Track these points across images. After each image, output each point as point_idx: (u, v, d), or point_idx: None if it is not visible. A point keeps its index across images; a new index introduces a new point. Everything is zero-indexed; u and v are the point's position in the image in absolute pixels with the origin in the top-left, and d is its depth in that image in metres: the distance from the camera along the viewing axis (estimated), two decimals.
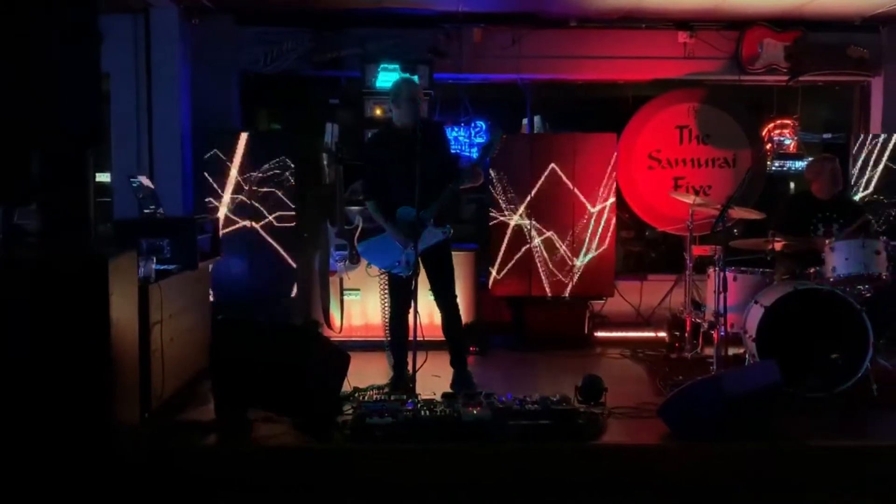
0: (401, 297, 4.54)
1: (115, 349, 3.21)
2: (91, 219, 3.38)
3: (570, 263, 6.06)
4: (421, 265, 4.41)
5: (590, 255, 6.05)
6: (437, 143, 4.44)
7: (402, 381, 4.57)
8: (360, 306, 5.80)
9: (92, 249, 3.37)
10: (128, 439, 3.37)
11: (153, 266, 4.06)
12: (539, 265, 6.05)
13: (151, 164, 5.83)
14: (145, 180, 4.89)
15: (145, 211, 4.62)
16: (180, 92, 5.85)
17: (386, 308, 4.91)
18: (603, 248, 6.08)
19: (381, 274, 5.00)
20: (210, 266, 5.18)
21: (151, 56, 5.79)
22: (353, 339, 5.61)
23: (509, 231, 6.05)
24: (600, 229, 6.07)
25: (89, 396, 3.14)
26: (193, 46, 6.09)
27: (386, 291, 4.86)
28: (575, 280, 6.06)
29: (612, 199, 6.07)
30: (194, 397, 4.34)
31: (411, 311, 4.37)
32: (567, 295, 6.07)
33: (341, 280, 5.60)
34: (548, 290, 6.06)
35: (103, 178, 6.23)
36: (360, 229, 5.51)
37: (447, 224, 4.46)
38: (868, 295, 4.70)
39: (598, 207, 6.05)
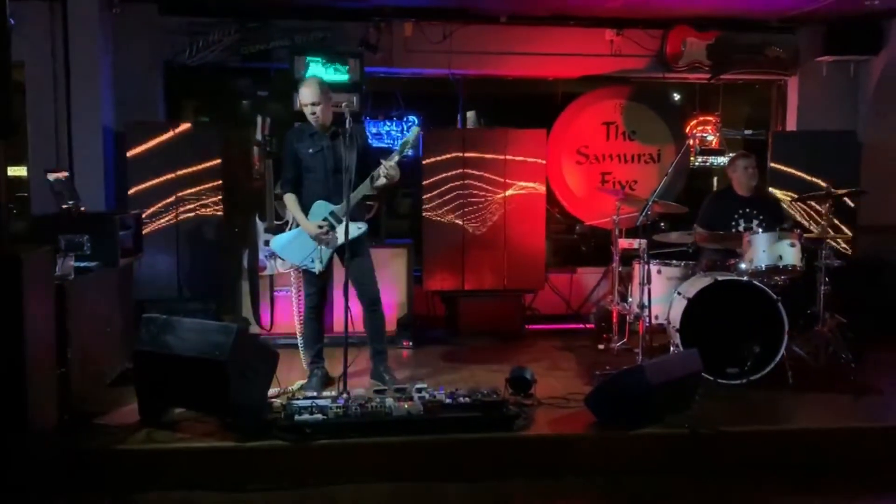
0: (315, 293, 4.51)
1: (30, 349, 3.10)
2: (3, 214, 3.24)
3: (502, 257, 6.12)
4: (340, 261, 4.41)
5: (521, 249, 6.13)
6: (356, 142, 4.36)
7: (321, 379, 4.54)
8: (290, 303, 5.72)
9: (4, 246, 3.23)
10: (44, 442, 3.26)
11: (72, 263, 3.93)
12: (471, 259, 6.10)
13: (71, 158, 5.62)
14: (64, 175, 4.71)
15: (64, 206, 4.46)
16: (101, 82, 5.65)
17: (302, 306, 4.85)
18: (533, 241, 6.18)
19: (296, 269, 4.91)
20: (133, 263, 5.04)
21: (69, 45, 5.57)
22: (284, 336, 5.53)
23: (441, 225, 6.07)
24: (531, 223, 6.16)
25: (1, 398, 3.02)
26: (114, 36, 5.90)
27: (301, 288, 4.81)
28: (506, 273, 6.13)
29: (542, 194, 6.17)
30: (117, 398, 4.21)
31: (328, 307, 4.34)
32: (499, 288, 6.13)
33: (271, 276, 5.52)
34: (480, 283, 6.12)
35: (20, 171, 5.99)
36: (290, 224, 5.44)
37: (360, 221, 4.43)
38: (784, 285, 4.89)
39: (528, 201, 6.13)
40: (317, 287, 4.51)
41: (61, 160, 5.59)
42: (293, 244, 4.52)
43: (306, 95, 4.36)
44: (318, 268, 4.42)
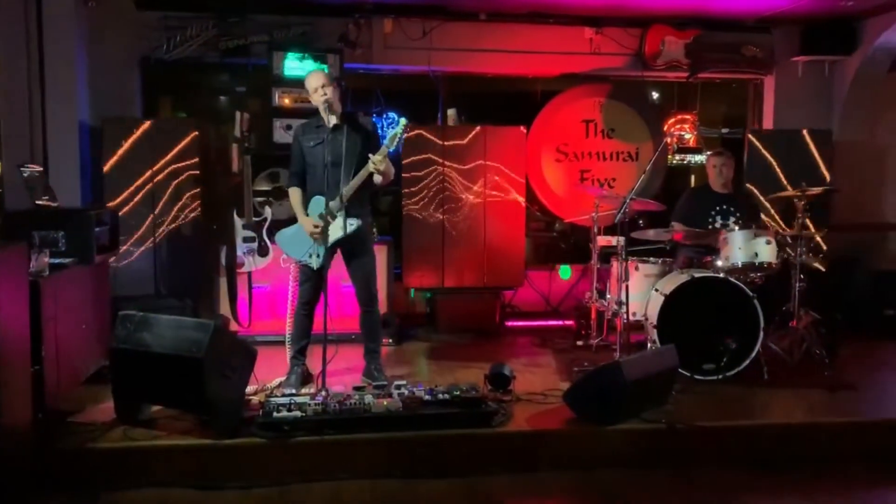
0: (310, 288, 4.49)
1: (3, 346, 3.06)
2: None
3: (481, 254, 6.14)
4: (340, 256, 4.40)
5: (500, 246, 6.15)
6: (360, 137, 4.35)
7: (300, 377, 4.53)
8: (268, 300, 5.70)
9: None
10: (17, 440, 3.22)
11: (46, 259, 3.87)
12: (450, 256, 6.11)
13: (45, 153, 5.54)
14: (38, 169, 4.65)
15: (38, 202, 4.40)
16: (76, 77, 5.57)
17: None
18: (513, 238, 6.19)
19: (294, 263, 4.88)
20: (110, 260, 4.99)
21: (44, 39, 5.48)
22: (262, 333, 5.51)
23: (421, 223, 6.07)
24: (510, 220, 6.17)
25: None
26: (90, 30, 5.82)
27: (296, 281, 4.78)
28: (486, 271, 6.15)
29: (521, 191, 6.19)
30: (93, 396, 4.18)
31: (319, 305, 4.31)
32: (478, 286, 6.15)
33: (249, 273, 5.49)
34: (459, 281, 6.13)
35: None
36: (268, 221, 5.42)
37: (356, 217, 4.35)
38: (760, 282, 4.95)
39: (508, 198, 6.15)
40: (312, 283, 4.46)
41: (35, 155, 5.51)
42: (294, 239, 4.49)
43: (313, 80, 4.32)
44: (315, 263, 4.38)
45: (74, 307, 4.17)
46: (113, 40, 5.98)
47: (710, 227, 5.28)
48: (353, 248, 4.43)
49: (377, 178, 4.30)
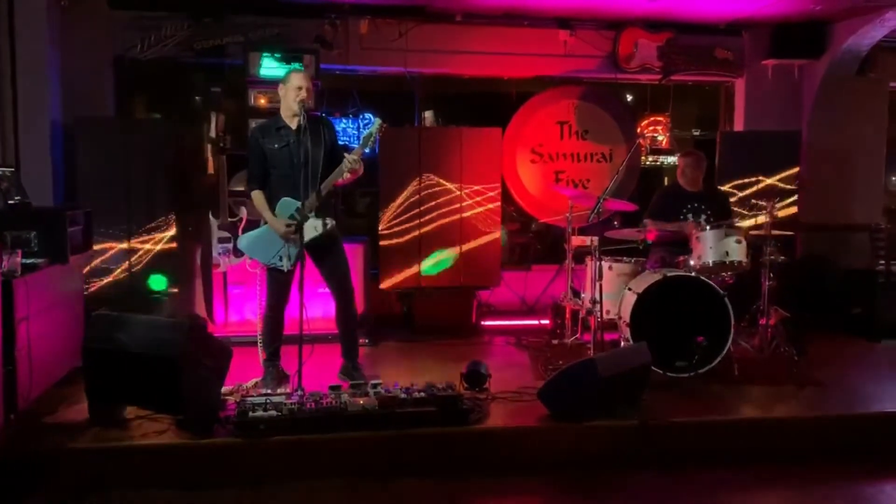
0: (279, 292, 4.48)
1: None
2: None
3: (458, 255, 6.17)
4: (309, 258, 4.39)
5: (476, 247, 6.18)
6: (324, 137, 4.39)
7: (276, 377, 4.53)
8: (244, 300, 5.68)
9: None
10: None
11: (19, 259, 3.84)
12: (427, 256, 6.13)
13: (17, 153, 5.49)
14: (9, 169, 4.61)
15: (10, 202, 4.36)
16: (49, 77, 5.52)
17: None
18: (489, 239, 6.24)
19: (261, 269, 4.87)
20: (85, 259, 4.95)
21: (16, 38, 5.43)
22: (238, 333, 5.49)
23: (398, 223, 6.09)
24: (487, 221, 6.22)
25: None
26: (63, 29, 5.77)
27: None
28: (462, 271, 6.18)
29: (497, 191, 6.23)
30: (67, 396, 4.15)
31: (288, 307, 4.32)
32: (455, 286, 6.18)
33: (225, 273, 5.47)
34: (436, 281, 6.15)
35: None
36: (244, 221, 5.40)
37: (328, 216, 4.38)
38: (730, 281, 5.03)
39: (484, 198, 6.19)
40: (280, 284, 4.46)
41: (7, 155, 5.46)
42: (260, 242, 4.45)
43: (298, 78, 4.34)
44: (286, 266, 4.37)
45: (48, 307, 4.14)
46: (86, 40, 5.93)
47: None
48: (326, 247, 4.43)
49: (346, 176, 4.32)
